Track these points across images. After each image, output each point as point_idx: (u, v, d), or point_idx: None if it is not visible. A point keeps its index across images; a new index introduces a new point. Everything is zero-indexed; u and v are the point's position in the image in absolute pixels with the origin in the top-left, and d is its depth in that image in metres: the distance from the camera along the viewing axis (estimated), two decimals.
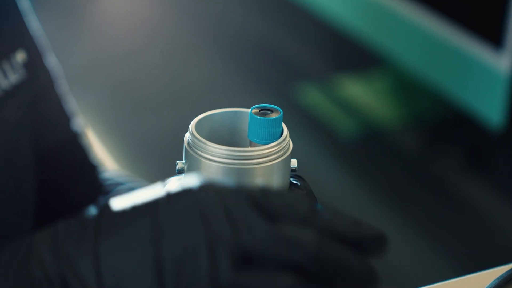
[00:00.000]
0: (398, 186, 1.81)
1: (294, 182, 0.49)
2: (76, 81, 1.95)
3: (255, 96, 2.08)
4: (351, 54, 2.19)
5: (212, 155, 0.46)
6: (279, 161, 0.47)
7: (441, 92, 1.72)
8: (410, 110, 1.99)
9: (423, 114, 1.99)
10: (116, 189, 0.76)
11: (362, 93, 2.04)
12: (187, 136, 0.48)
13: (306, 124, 1.96)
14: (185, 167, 0.48)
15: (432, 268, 1.58)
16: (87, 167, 0.77)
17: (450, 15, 1.64)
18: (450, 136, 1.93)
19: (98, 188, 0.77)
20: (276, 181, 0.47)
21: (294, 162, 0.49)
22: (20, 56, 0.69)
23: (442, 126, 1.97)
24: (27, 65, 0.69)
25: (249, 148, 0.46)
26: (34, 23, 0.74)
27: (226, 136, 0.50)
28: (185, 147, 0.47)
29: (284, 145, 0.47)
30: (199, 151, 0.46)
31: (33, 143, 0.71)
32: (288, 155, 0.48)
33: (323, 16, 2.03)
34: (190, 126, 0.48)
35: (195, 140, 0.47)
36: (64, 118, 0.76)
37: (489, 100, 1.59)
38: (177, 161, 0.48)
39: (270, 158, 0.46)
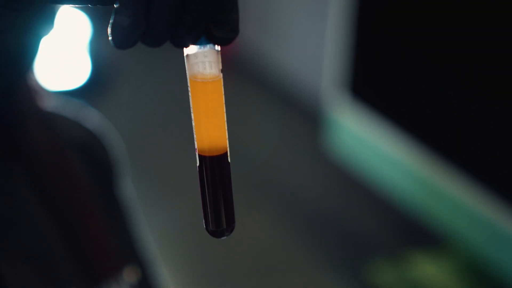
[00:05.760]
0: None
1: None
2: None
3: (320, 271, 2.07)
4: (420, 231, 2.18)
5: None
6: None
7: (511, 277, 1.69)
8: None
9: None
10: None
11: (432, 272, 2.01)
12: None
13: None
14: None
15: None
16: None
17: None
18: None
19: None
20: None
21: None
22: (128, 274, 0.67)
23: None
24: (135, 284, 0.68)
25: None
26: (144, 234, 0.73)
27: None
28: None
29: None
30: None
31: None
32: None
33: (392, 192, 2.04)
34: None
35: None
36: None
37: None
38: None
39: None
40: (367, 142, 2.05)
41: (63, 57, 2.77)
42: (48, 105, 0.68)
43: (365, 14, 1.97)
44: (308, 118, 2.69)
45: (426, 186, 1.88)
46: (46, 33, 0.50)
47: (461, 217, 1.81)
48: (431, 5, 1.79)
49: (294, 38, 2.83)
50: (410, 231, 2.23)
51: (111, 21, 0.38)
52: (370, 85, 2.03)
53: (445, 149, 1.82)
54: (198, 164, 0.45)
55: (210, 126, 0.44)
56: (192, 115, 0.45)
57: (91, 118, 0.72)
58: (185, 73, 0.44)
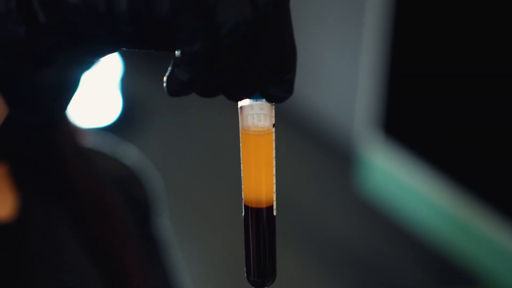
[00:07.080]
0: None
1: None
2: None
3: None
4: (454, 271, 2.15)
5: None
6: None
7: None
8: None
9: None
10: None
11: None
12: None
13: None
14: None
15: None
16: None
17: None
18: None
19: None
20: None
21: None
22: None
23: None
24: None
25: None
26: (181, 271, 0.73)
27: None
28: None
29: None
30: None
31: None
32: None
33: (426, 232, 2.02)
34: None
35: None
36: None
37: None
38: None
39: None
40: (399, 181, 2.03)
41: (94, 94, 2.80)
42: (87, 141, 0.67)
43: (397, 54, 1.97)
44: (341, 157, 2.68)
45: (460, 225, 1.86)
46: (88, 69, 0.50)
47: (496, 257, 1.78)
48: (463, 47, 1.79)
49: (327, 78, 2.84)
50: (444, 271, 2.20)
51: (169, 69, 0.36)
52: (403, 125, 2.02)
53: (479, 189, 1.80)
54: (243, 214, 0.44)
55: (259, 179, 0.44)
56: (242, 166, 0.44)
57: (129, 154, 0.72)
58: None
